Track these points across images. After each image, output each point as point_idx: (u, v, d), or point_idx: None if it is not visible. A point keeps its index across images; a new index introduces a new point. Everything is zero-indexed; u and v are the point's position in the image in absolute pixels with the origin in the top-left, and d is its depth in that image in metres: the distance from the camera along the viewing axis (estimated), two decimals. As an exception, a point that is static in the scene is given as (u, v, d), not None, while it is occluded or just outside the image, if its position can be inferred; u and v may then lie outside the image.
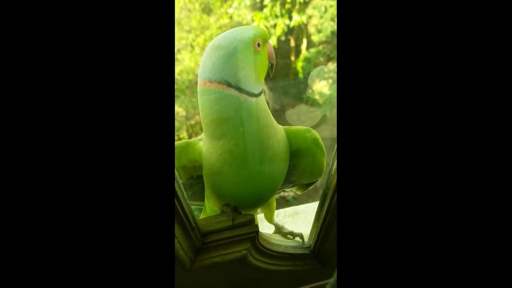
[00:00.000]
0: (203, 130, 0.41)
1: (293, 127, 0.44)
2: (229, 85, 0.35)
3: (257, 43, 0.37)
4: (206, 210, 0.50)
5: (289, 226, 0.56)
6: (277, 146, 0.41)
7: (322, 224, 0.47)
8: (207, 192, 0.45)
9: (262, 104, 0.38)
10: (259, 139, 0.38)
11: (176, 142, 0.42)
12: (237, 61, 0.35)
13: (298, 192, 0.53)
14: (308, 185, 0.51)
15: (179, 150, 0.41)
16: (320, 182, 0.50)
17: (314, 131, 0.45)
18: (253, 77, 0.36)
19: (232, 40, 0.35)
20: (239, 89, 0.35)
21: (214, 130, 0.38)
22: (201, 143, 0.41)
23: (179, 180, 0.37)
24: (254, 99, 0.36)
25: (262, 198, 0.46)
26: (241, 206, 0.45)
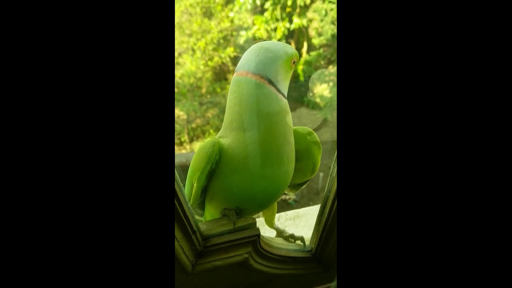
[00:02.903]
0: (228, 123, 0.42)
1: (293, 128, 0.45)
2: (270, 82, 0.39)
3: (293, 60, 0.42)
4: (206, 217, 0.49)
5: (291, 230, 0.56)
6: (293, 143, 0.44)
7: (324, 227, 0.47)
8: (211, 195, 0.45)
9: (287, 105, 0.42)
10: (285, 133, 0.41)
11: (204, 142, 0.43)
12: (279, 66, 0.40)
13: (291, 193, 0.54)
14: (300, 184, 0.51)
15: (212, 149, 0.41)
16: (322, 185, 0.50)
17: (311, 131, 0.47)
18: (285, 84, 0.41)
19: (280, 49, 0.41)
20: (277, 89, 0.40)
21: (244, 120, 0.40)
22: (221, 140, 0.42)
23: (180, 183, 0.38)
24: (285, 100, 0.41)
25: (275, 197, 0.46)
26: (251, 206, 0.45)
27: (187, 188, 0.45)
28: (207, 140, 0.43)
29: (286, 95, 0.41)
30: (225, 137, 0.42)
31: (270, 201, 0.47)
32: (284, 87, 0.41)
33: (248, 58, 0.40)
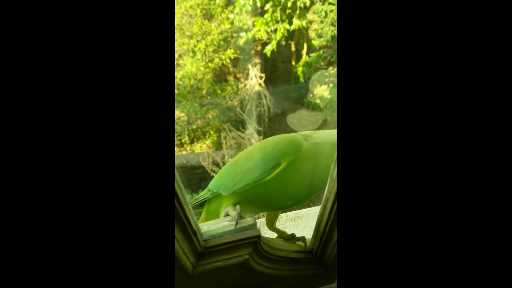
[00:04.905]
0: (319, 135, 0.45)
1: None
2: None
3: None
4: (203, 211, 0.50)
5: (291, 230, 0.56)
6: None
7: (324, 229, 0.47)
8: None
9: None
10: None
11: (295, 134, 0.44)
12: None
13: None
14: None
15: (302, 143, 0.43)
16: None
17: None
18: None
19: None
20: None
21: (327, 143, 0.44)
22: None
23: (181, 184, 0.38)
24: None
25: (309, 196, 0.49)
26: (266, 207, 0.47)
27: (268, 164, 0.45)
28: (296, 133, 0.45)
29: None
30: (306, 139, 0.44)
31: (305, 199, 0.50)
32: None
33: None
